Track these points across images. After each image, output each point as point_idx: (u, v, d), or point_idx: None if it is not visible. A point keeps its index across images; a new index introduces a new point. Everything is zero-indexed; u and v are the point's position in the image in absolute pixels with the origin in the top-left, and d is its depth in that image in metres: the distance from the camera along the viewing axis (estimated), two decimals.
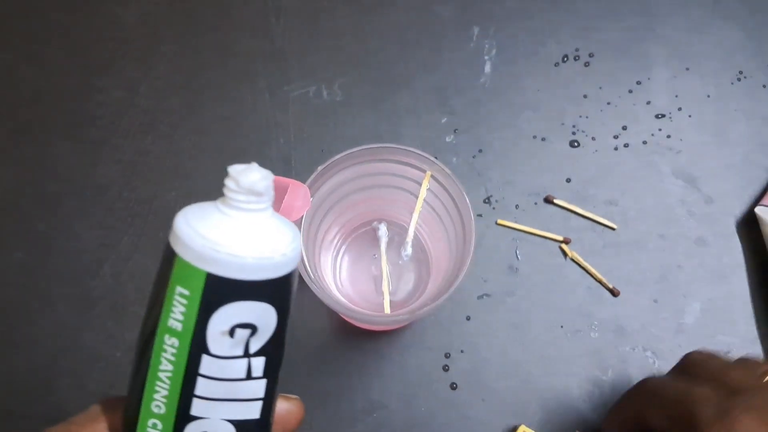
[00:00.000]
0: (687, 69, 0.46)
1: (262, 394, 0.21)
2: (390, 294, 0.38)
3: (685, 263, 0.42)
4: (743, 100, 0.45)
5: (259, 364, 0.20)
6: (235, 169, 0.20)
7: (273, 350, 0.20)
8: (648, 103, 0.46)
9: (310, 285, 0.31)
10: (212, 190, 0.43)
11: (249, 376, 0.20)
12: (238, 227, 0.20)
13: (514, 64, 0.46)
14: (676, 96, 0.46)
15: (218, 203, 0.20)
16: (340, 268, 0.40)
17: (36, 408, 0.39)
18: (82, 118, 0.45)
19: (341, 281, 0.39)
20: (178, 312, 0.19)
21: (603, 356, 0.40)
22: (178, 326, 0.19)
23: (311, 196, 0.33)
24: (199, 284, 0.19)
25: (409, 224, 0.37)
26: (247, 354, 0.20)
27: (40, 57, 0.47)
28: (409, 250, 0.38)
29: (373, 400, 0.39)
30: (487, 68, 0.46)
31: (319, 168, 0.33)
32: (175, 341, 0.19)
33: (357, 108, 0.45)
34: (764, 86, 0.46)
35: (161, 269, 0.20)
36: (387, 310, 0.37)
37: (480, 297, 0.41)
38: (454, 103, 0.45)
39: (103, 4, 0.48)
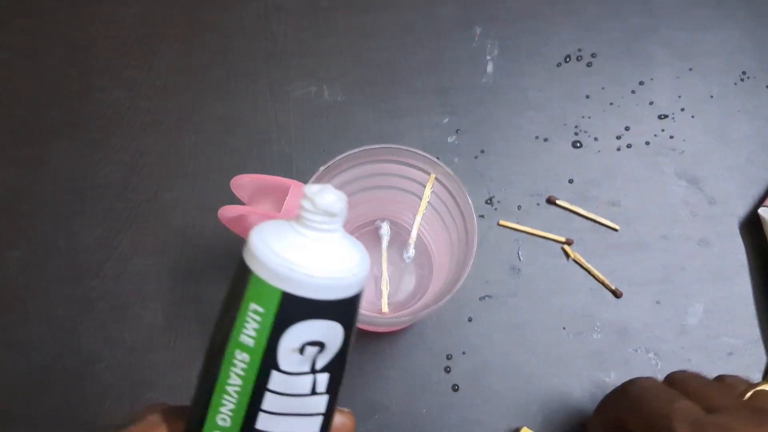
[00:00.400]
0: (690, 69, 0.46)
1: (323, 409, 0.21)
2: (391, 295, 0.38)
3: (687, 264, 0.42)
4: (746, 101, 0.45)
5: (323, 380, 0.21)
6: (310, 190, 0.20)
7: (337, 367, 0.21)
8: (651, 103, 0.45)
9: None
10: (213, 190, 0.43)
11: (313, 392, 0.21)
12: (312, 247, 0.20)
13: (517, 64, 0.46)
14: (679, 96, 0.45)
15: (293, 222, 0.20)
16: None
17: (35, 409, 0.39)
18: (82, 117, 0.45)
19: None
20: (250, 328, 0.20)
21: (605, 358, 0.40)
22: (250, 342, 0.20)
23: None
24: (274, 302, 0.19)
25: (410, 225, 0.37)
26: (313, 370, 0.20)
27: (39, 56, 0.47)
28: (411, 251, 0.37)
29: (374, 402, 0.39)
30: (489, 68, 0.46)
31: (321, 168, 0.33)
32: (245, 356, 0.20)
33: (358, 108, 0.45)
34: (767, 87, 0.46)
35: (234, 285, 0.20)
36: (385, 308, 0.37)
37: (482, 298, 0.41)
38: (456, 103, 0.45)
39: (103, 4, 0.48)
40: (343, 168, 0.34)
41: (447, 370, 0.40)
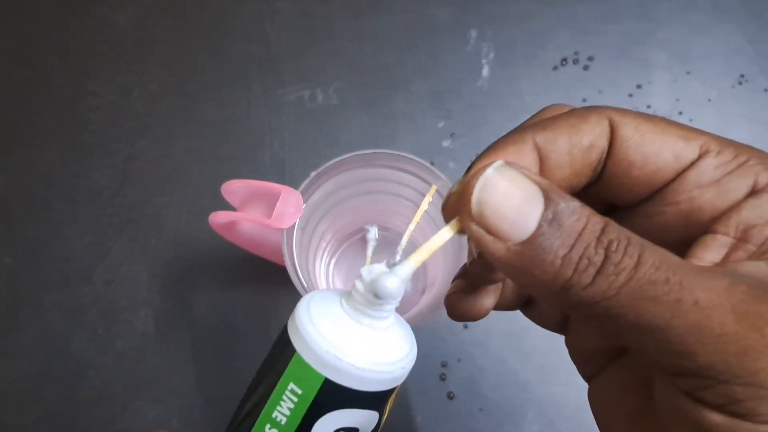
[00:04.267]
0: (688, 73, 0.46)
1: None
2: None
3: None
4: (744, 104, 0.45)
5: None
6: (367, 273, 0.19)
7: None
8: (648, 107, 0.45)
9: (302, 294, 0.31)
10: (206, 195, 0.42)
11: None
12: (363, 335, 0.19)
13: (513, 68, 0.46)
14: (677, 100, 0.45)
15: (344, 301, 0.19)
16: (333, 275, 0.39)
17: (25, 416, 0.39)
18: (74, 122, 0.45)
19: (335, 288, 0.39)
20: (285, 407, 0.19)
21: None
22: (282, 419, 0.19)
23: (304, 203, 0.32)
24: (315, 387, 0.18)
25: (403, 231, 0.36)
26: None
27: (31, 60, 0.46)
28: (397, 259, 0.37)
29: None
30: (485, 72, 0.46)
31: (313, 174, 0.32)
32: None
33: (353, 112, 0.45)
34: (766, 90, 0.45)
35: (275, 356, 0.20)
36: None
37: None
38: (452, 107, 0.45)
39: (96, 7, 0.47)
40: (336, 173, 0.33)
41: (442, 377, 0.39)
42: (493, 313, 0.40)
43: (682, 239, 0.18)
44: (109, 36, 0.47)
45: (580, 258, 0.15)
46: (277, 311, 0.40)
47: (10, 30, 0.47)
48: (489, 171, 0.16)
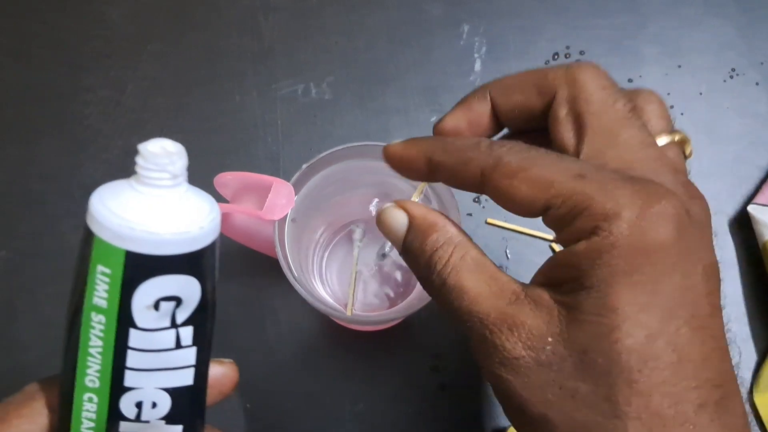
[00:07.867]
0: (679, 66, 0.46)
1: (193, 362, 0.21)
2: (376, 294, 0.38)
3: None
4: (735, 98, 0.45)
5: (187, 333, 0.21)
6: (144, 146, 0.20)
7: (200, 319, 0.21)
8: None
9: (293, 284, 0.31)
10: (200, 189, 0.43)
11: (178, 346, 0.21)
12: (152, 204, 0.20)
13: (505, 62, 0.46)
14: (668, 93, 0.45)
15: (132, 181, 0.20)
16: (327, 267, 0.39)
17: None
18: (69, 117, 0.45)
19: (329, 281, 0.39)
20: (101, 290, 0.20)
21: None
22: (103, 303, 0.20)
23: (296, 194, 0.32)
24: (119, 262, 0.19)
25: None
26: (174, 325, 0.20)
27: (26, 55, 0.47)
28: (387, 249, 0.37)
29: (360, 402, 0.39)
30: (477, 66, 0.46)
31: (304, 166, 0.33)
32: (101, 318, 0.20)
33: (346, 106, 0.45)
34: (757, 83, 0.45)
35: (81, 249, 0.20)
36: (349, 312, 0.37)
37: None
38: (444, 101, 0.45)
39: (90, 2, 0.48)
40: (328, 165, 0.34)
41: (434, 369, 0.39)
42: None
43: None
44: (104, 31, 0.47)
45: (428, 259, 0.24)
46: (269, 304, 0.40)
47: (4, 25, 0.47)
48: (382, 207, 0.25)
